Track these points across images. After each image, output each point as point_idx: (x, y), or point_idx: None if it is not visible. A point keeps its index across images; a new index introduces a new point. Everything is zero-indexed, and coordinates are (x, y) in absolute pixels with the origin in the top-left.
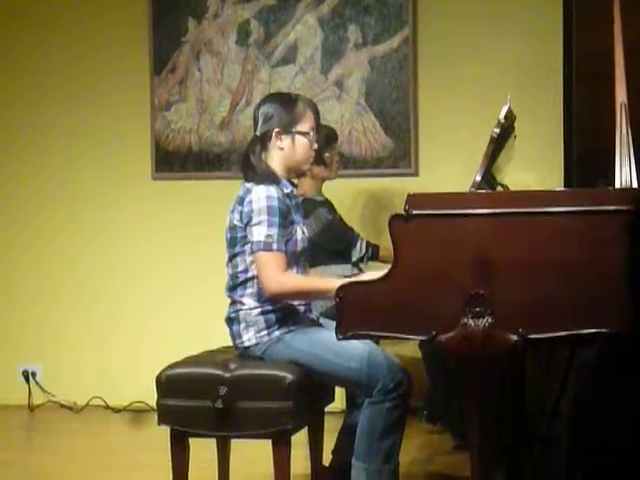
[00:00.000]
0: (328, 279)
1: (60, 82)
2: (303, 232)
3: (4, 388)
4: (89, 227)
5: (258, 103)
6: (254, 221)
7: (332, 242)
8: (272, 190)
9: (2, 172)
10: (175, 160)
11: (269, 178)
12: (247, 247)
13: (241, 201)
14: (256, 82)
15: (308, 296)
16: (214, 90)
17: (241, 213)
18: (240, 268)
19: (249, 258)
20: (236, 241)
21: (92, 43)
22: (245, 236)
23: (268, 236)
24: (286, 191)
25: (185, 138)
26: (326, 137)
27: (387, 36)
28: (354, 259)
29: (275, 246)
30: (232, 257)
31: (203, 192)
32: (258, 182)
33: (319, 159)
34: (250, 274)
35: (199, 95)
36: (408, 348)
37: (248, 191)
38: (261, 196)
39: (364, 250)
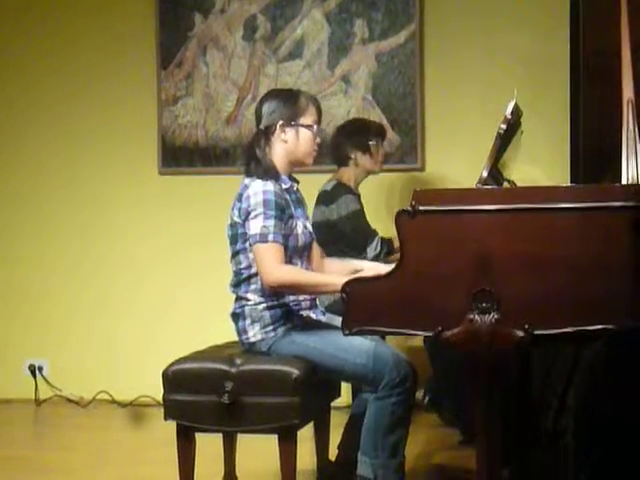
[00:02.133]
0: (327, 274)
1: (66, 77)
2: (305, 226)
3: (11, 383)
4: (95, 222)
5: (260, 99)
6: (251, 215)
7: (353, 231)
8: (269, 184)
9: (8, 167)
10: (182, 155)
11: (269, 173)
12: (248, 243)
13: (240, 197)
14: (263, 77)
15: (306, 289)
16: (221, 85)
17: (240, 209)
18: (243, 265)
19: (251, 254)
20: (237, 238)
21: (98, 37)
22: (245, 232)
23: (264, 227)
24: (285, 186)
25: (192, 133)
26: (376, 128)
27: (394, 31)
28: (370, 256)
29: (271, 237)
30: (235, 254)
31: (210, 187)
32: (258, 176)
33: (365, 148)
34: (253, 270)
35: (206, 90)
36: (411, 337)
37: (246, 187)
38: (257, 191)
39: (379, 248)
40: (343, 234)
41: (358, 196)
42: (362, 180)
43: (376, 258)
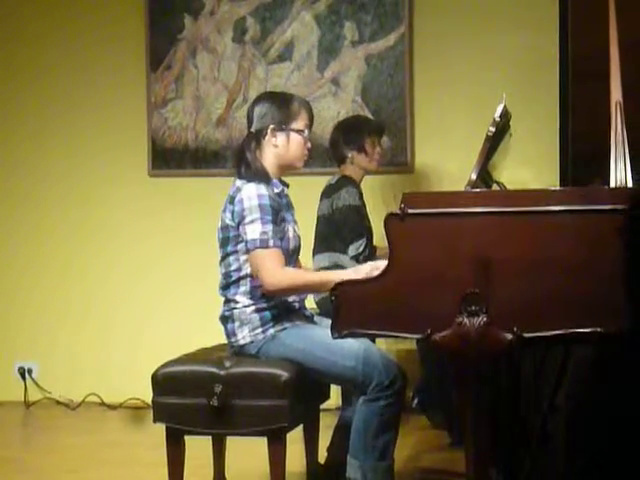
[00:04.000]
0: (326, 272)
1: (56, 79)
2: (294, 230)
3: (0, 385)
4: (85, 224)
5: (252, 102)
6: (247, 220)
7: (343, 224)
8: (262, 188)
9: None
10: (171, 157)
11: (260, 176)
12: (240, 246)
13: (232, 200)
14: (252, 79)
15: (307, 290)
16: (210, 87)
17: (232, 212)
18: (233, 267)
19: (242, 257)
20: (228, 240)
21: (88, 40)
22: (237, 235)
23: (263, 233)
24: (276, 190)
25: (181, 135)
26: (371, 126)
27: (383, 34)
28: (350, 254)
29: (271, 242)
30: (225, 256)
31: (200, 189)
32: (249, 179)
33: (360, 147)
34: (243, 272)
35: (195, 92)
36: (402, 340)
37: (238, 190)
38: (252, 194)
39: (362, 249)
40: (337, 225)
41: (360, 192)
42: (362, 178)
43: (355, 258)
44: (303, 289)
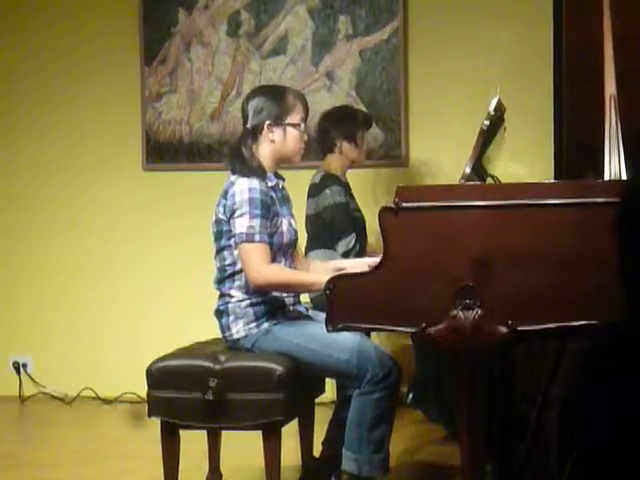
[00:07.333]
0: (312, 274)
1: (50, 74)
2: (290, 224)
3: None
4: (80, 219)
5: (246, 96)
6: (237, 213)
7: (331, 223)
8: (254, 182)
9: None
10: (166, 151)
11: (255, 171)
12: (233, 240)
13: (225, 194)
14: (247, 73)
15: (292, 289)
16: (205, 81)
17: (225, 206)
18: (228, 261)
19: (236, 251)
20: (222, 234)
21: (82, 34)
22: (230, 229)
23: (250, 227)
24: (270, 184)
25: (176, 129)
26: (363, 118)
27: (378, 27)
28: (340, 251)
29: (257, 237)
30: (219, 250)
31: (194, 183)
32: (244, 175)
33: (351, 137)
34: (238, 267)
35: (190, 86)
36: (397, 335)
37: (232, 184)
38: (243, 188)
39: (352, 245)
40: (325, 225)
41: (346, 185)
42: (346, 170)
43: (346, 254)
44: (286, 287)
